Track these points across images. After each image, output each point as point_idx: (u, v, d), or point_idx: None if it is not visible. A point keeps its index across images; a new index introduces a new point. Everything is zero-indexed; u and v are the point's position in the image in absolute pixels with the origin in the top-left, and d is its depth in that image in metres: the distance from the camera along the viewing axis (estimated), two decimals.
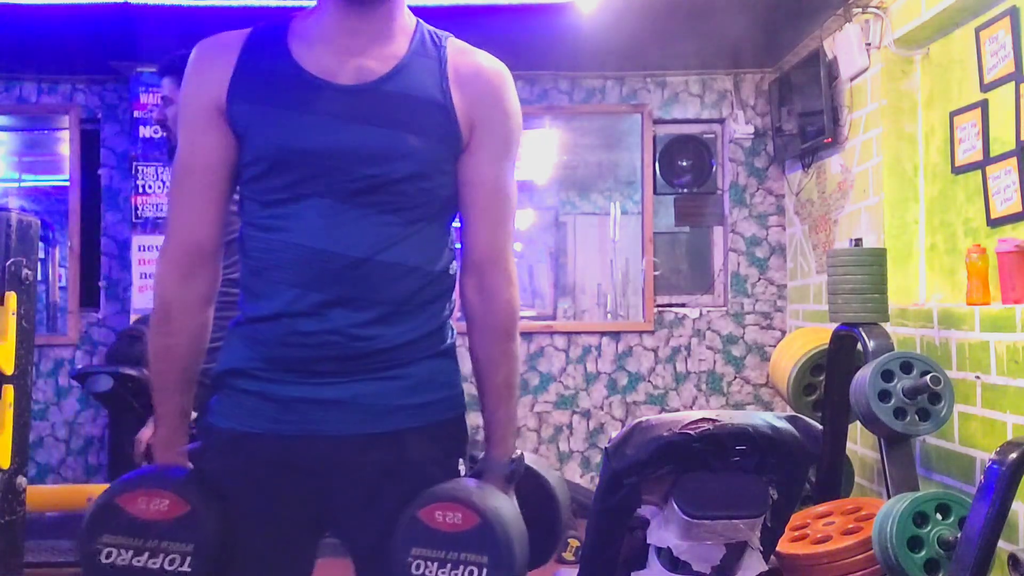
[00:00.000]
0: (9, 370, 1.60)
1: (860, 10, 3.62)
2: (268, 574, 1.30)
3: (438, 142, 1.26)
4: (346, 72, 1.24)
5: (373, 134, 1.23)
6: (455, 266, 1.35)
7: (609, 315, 6.56)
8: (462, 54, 1.31)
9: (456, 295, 1.36)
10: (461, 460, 1.35)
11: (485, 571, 1.19)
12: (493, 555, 1.20)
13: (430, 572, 1.19)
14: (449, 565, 1.19)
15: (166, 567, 1.19)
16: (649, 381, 4.79)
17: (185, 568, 1.19)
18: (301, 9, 1.34)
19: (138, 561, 1.18)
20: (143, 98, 4.64)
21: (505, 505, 1.25)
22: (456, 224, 1.35)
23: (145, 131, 4.64)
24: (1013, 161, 2.85)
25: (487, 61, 1.32)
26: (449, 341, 1.34)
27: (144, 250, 4.61)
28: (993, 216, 2.97)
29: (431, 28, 1.34)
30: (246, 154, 1.26)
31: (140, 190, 4.64)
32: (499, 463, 1.34)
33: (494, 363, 1.32)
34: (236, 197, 1.33)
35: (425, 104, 1.25)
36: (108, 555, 1.18)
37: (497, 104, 1.30)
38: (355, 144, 1.22)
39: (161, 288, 1.30)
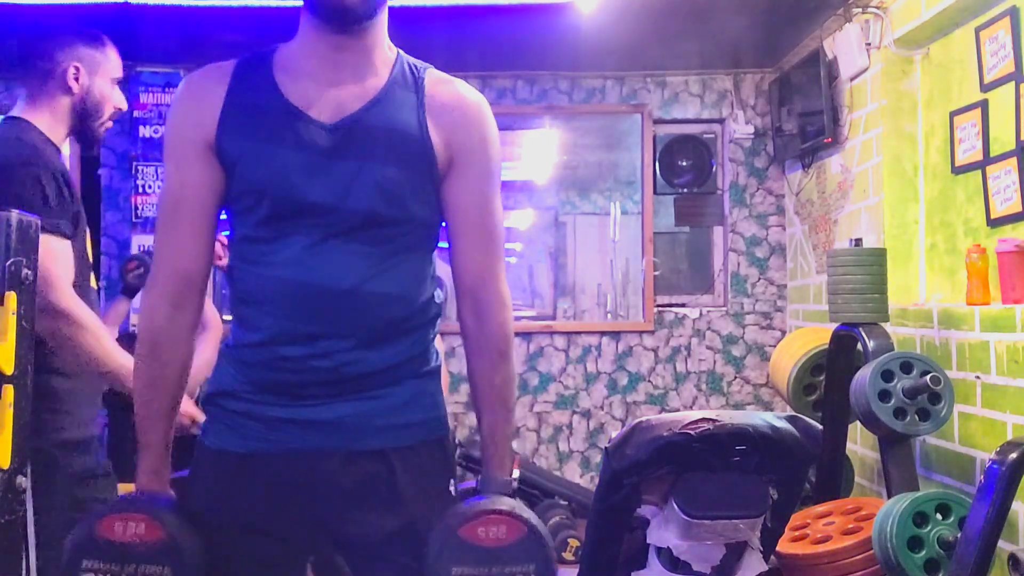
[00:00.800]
0: (9, 370, 1.60)
1: (860, 10, 3.62)
2: None
3: (415, 172, 1.28)
4: (329, 107, 1.27)
5: (352, 169, 1.25)
6: (440, 294, 1.39)
7: (609, 315, 6.56)
8: (440, 84, 1.34)
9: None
10: (452, 480, 1.38)
11: None
12: (540, 564, 1.21)
13: None
14: None
15: None
16: (649, 381, 4.79)
17: None
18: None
19: None
20: (143, 98, 4.64)
21: (535, 516, 1.26)
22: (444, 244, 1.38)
23: (145, 131, 4.64)
24: (1013, 161, 2.85)
25: (465, 90, 1.35)
26: (433, 363, 1.37)
27: (144, 250, 4.61)
28: (993, 216, 2.97)
29: (411, 60, 1.36)
30: (234, 187, 1.29)
31: (140, 190, 4.64)
32: (500, 481, 1.35)
33: (490, 384, 1.35)
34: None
35: (402, 136, 1.28)
36: None
37: (476, 133, 1.33)
38: (337, 182, 1.25)
39: (149, 319, 1.32)
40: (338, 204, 1.25)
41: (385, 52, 1.34)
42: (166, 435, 1.33)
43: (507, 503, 1.24)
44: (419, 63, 1.36)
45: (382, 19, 1.32)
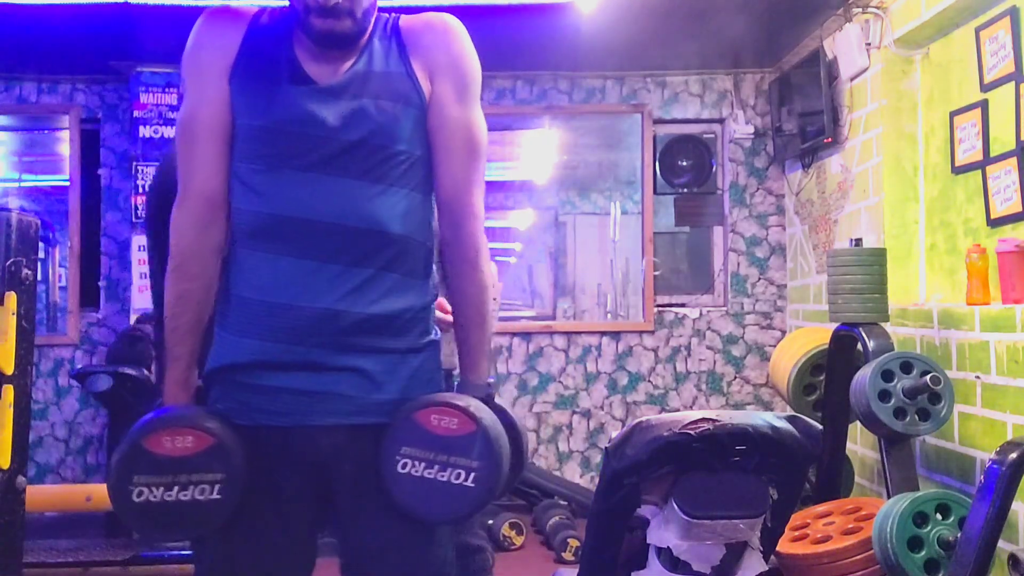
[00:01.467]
0: (9, 370, 1.60)
1: (860, 10, 3.62)
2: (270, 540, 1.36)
3: (404, 104, 1.36)
4: (329, 68, 1.35)
5: (345, 105, 1.33)
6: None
7: (609, 315, 6.57)
8: (410, 19, 1.43)
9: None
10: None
11: (473, 475, 1.26)
12: (484, 461, 1.27)
13: (415, 471, 1.26)
14: (437, 466, 1.26)
15: (197, 497, 1.26)
16: (649, 381, 4.79)
17: (215, 495, 1.27)
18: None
19: (169, 496, 1.25)
20: (143, 98, 4.63)
21: (495, 420, 1.32)
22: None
23: (145, 131, 4.63)
24: (1013, 161, 2.85)
25: (434, 16, 1.43)
26: (432, 336, 1.42)
27: (144, 250, 4.61)
28: (993, 216, 2.97)
29: (387, 15, 1.44)
30: (237, 123, 1.36)
31: (140, 190, 4.64)
32: (475, 386, 1.41)
33: (463, 291, 1.41)
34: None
35: (386, 75, 1.36)
36: (140, 494, 1.25)
37: (449, 50, 1.40)
38: (333, 115, 1.32)
39: (178, 237, 1.37)
40: (334, 134, 1.32)
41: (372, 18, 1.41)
42: (193, 349, 1.38)
43: (466, 401, 1.30)
44: (393, 15, 1.45)
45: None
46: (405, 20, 1.42)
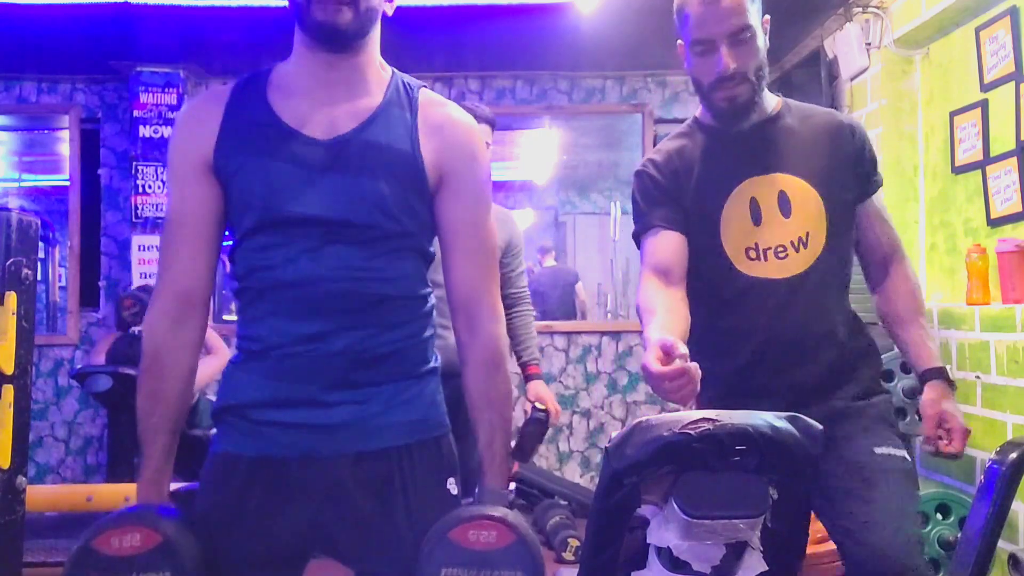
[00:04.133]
0: (9, 370, 1.60)
1: (860, 10, 3.62)
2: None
3: (406, 189, 1.32)
4: (322, 124, 1.31)
5: (344, 183, 1.29)
6: (434, 299, 1.42)
7: (609, 315, 6.56)
8: (432, 106, 1.38)
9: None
10: (452, 480, 1.39)
11: None
12: (528, 570, 1.24)
13: None
14: None
15: None
16: None
17: None
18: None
19: None
20: (143, 98, 4.64)
21: (528, 526, 1.29)
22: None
23: (145, 131, 4.64)
24: (1013, 161, 2.85)
25: (456, 113, 1.39)
26: (432, 364, 1.40)
27: (144, 250, 4.61)
28: (993, 216, 2.97)
29: (405, 78, 1.40)
30: (231, 202, 1.34)
31: (140, 190, 4.64)
32: (498, 492, 1.38)
33: (485, 396, 1.38)
34: None
35: (394, 154, 1.32)
36: None
37: (466, 153, 1.37)
38: (328, 195, 1.29)
39: (151, 334, 1.35)
40: (330, 216, 1.29)
41: (378, 70, 1.38)
42: (166, 448, 1.35)
43: (499, 510, 1.27)
44: (413, 81, 1.40)
45: (374, 36, 1.36)
46: (426, 102, 1.37)
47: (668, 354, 1.38)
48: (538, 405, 2.49)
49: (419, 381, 1.37)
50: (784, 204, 1.67)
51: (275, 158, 1.30)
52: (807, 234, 1.67)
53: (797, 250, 1.67)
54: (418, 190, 1.33)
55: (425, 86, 1.41)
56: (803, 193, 1.68)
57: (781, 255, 1.67)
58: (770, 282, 1.67)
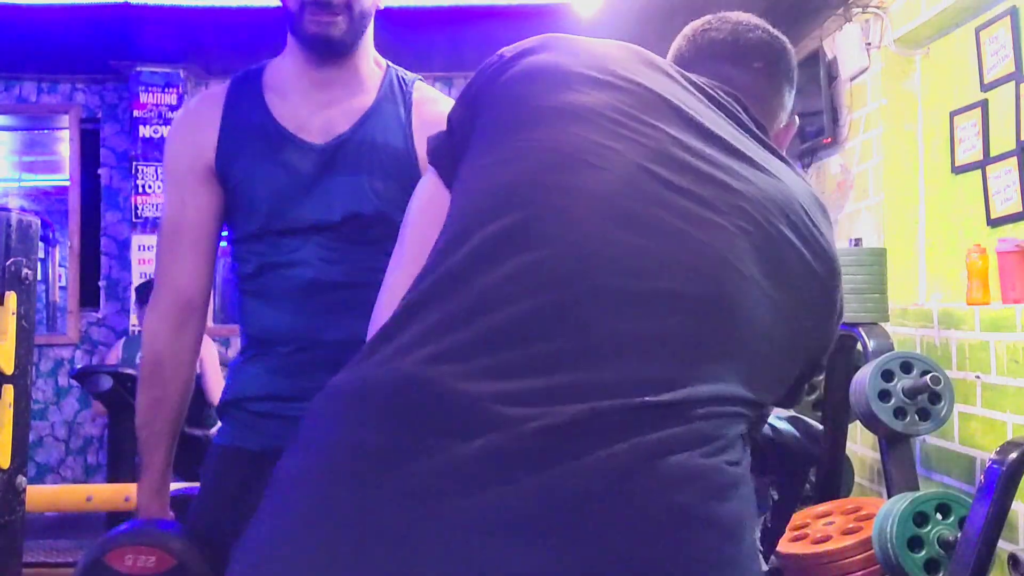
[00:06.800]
0: (9, 370, 1.60)
1: (860, 10, 3.62)
2: None
3: (403, 185, 1.30)
4: (318, 127, 1.31)
5: (341, 184, 1.30)
6: None
7: None
8: (426, 102, 1.37)
9: None
10: None
11: None
12: None
13: None
14: None
15: None
16: None
17: None
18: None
19: None
20: (143, 98, 4.64)
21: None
22: None
23: (145, 131, 4.64)
24: (1013, 161, 2.85)
25: (449, 107, 1.38)
26: None
27: (144, 250, 4.61)
28: (993, 216, 2.97)
29: (400, 72, 1.39)
30: (232, 206, 1.34)
31: (140, 190, 4.64)
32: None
33: None
34: None
35: (390, 151, 1.32)
36: None
37: None
38: (327, 197, 1.29)
39: (151, 341, 1.35)
40: (331, 219, 1.29)
41: (372, 66, 1.37)
42: (167, 456, 1.35)
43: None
44: (408, 75, 1.40)
45: (368, 34, 1.35)
46: (420, 97, 1.37)
47: None
48: None
49: None
50: None
51: (276, 163, 1.30)
52: None
53: None
54: (414, 186, 1.34)
55: (420, 79, 1.41)
56: None
57: None
58: None
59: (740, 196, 0.85)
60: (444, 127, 1.34)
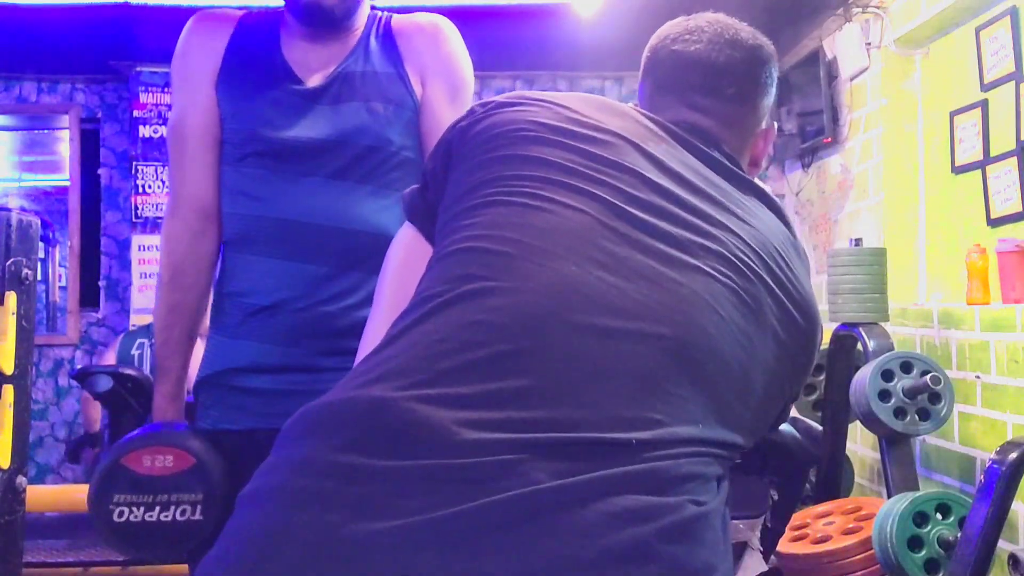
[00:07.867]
0: (9, 370, 1.60)
1: (860, 10, 3.62)
2: None
3: (396, 107, 1.35)
4: (318, 69, 1.35)
5: (336, 110, 1.32)
6: None
7: None
8: (402, 21, 1.42)
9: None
10: None
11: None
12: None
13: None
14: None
15: (178, 518, 1.25)
16: None
17: (196, 516, 1.25)
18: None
19: (150, 516, 1.24)
20: (143, 98, 4.63)
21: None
22: None
23: (145, 131, 4.64)
24: (1013, 161, 2.85)
25: (424, 18, 1.42)
26: None
27: (144, 250, 4.61)
28: (993, 216, 2.97)
29: (381, 12, 1.44)
30: (226, 131, 1.35)
31: (140, 190, 4.64)
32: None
33: None
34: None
35: (379, 76, 1.36)
36: (121, 514, 1.24)
37: (440, 53, 1.40)
38: (322, 120, 1.32)
39: (171, 247, 1.36)
40: (323, 138, 1.31)
41: (364, 8, 1.41)
42: (184, 361, 1.37)
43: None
44: (386, 13, 1.44)
45: (362, 7, 1.40)
46: (397, 21, 1.42)
47: None
48: None
49: None
50: None
51: (274, 90, 1.33)
52: None
53: None
54: (409, 105, 1.37)
55: (395, 13, 1.45)
56: None
57: None
58: None
59: (717, 241, 0.87)
60: (420, 35, 1.37)
